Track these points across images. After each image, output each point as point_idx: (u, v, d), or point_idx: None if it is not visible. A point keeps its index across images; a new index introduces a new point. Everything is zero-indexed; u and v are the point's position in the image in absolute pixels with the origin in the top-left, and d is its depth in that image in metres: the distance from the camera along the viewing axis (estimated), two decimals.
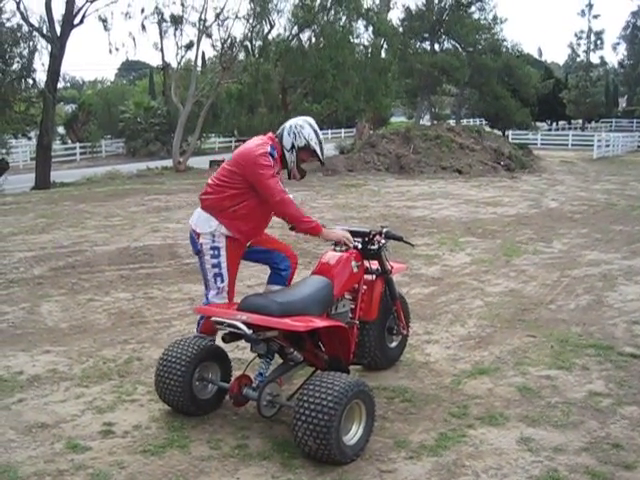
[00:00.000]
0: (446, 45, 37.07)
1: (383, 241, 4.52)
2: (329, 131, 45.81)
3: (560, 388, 4.60)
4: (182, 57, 24.21)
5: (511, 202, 14.43)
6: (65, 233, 10.87)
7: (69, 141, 39.45)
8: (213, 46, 23.37)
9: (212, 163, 29.02)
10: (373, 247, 4.53)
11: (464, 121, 43.14)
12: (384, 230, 4.55)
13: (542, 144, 35.13)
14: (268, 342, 3.92)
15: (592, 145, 30.18)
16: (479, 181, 18.85)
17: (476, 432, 3.94)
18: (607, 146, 31.30)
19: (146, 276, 8.00)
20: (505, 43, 37.55)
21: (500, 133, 34.17)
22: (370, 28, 25.35)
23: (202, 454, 3.70)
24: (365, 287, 4.58)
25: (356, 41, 25.06)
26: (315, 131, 4.42)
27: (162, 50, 27.12)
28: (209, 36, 23.09)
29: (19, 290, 7.37)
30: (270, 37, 25.31)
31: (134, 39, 30.42)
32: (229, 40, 22.85)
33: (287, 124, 4.44)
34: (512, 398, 4.44)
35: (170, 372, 4.05)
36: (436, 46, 36.90)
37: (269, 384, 3.90)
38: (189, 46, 23.59)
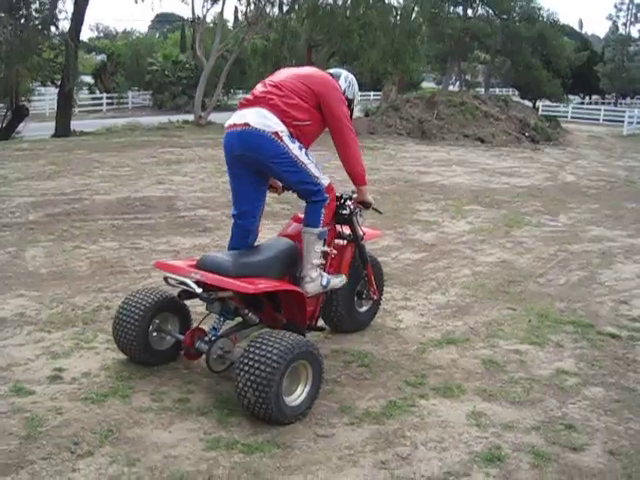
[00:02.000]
0: (480, 11, 36.03)
1: (352, 206, 4.36)
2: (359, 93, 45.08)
3: (527, 364, 4.45)
4: (207, 10, 23.86)
5: (527, 173, 14.09)
6: (70, 181, 10.84)
7: (97, 91, 39.43)
8: (239, 0, 22.96)
9: None
10: (344, 212, 4.38)
11: (496, 90, 42.24)
12: (353, 195, 4.39)
13: (572, 117, 34.28)
14: (223, 301, 3.84)
15: (623, 121, 29.34)
16: (500, 151, 18.43)
17: (427, 403, 3.82)
18: (639, 123, 30.38)
19: (138, 227, 7.95)
20: (541, 11, 36.34)
21: (530, 104, 33.41)
22: None
23: (142, 405, 3.65)
24: (335, 252, 4.45)
25: (385, 1, 24.43)
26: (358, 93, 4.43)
27: (193, 2, 26.68)
28: None
29: (9, 234, 7.37)
30: None
31: None
32: None
33: (342, 72, 4.32)
34: (474, 370, 4.31)
35: (126, 320, 4.00)
36: (469, 11, 35.90)
37: (221, 339, 3.83)
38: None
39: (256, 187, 4.14)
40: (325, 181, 4.01)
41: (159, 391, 3.82)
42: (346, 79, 4.28)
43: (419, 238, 7.92)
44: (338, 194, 4.41)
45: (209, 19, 28.51)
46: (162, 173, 12.06)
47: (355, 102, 4.37)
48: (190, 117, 26.38)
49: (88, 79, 39.73)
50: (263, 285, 3.66)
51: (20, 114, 19.78)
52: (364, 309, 4.91)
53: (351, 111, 4.31)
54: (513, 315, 5.38)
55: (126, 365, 4.13)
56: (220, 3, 23.38)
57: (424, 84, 48.25)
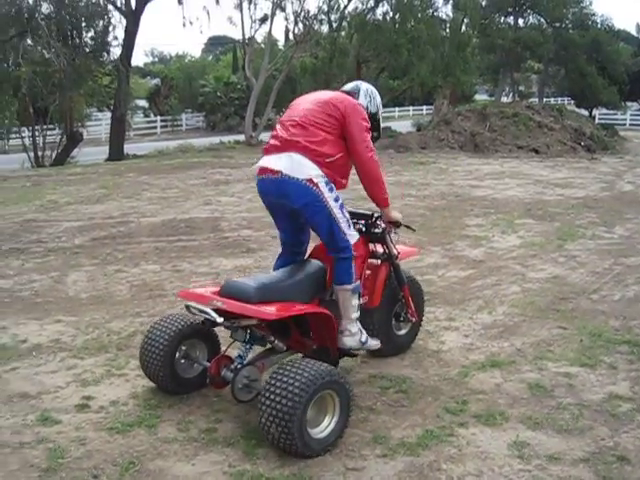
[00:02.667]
0: (531, 20, 35.31)
1: (383, 225, 4.19)
2: (410, 108, 44.86)
3: (577, 388, 4.16)
4: (256, 31, 24.12)
5: (583, 184, 13.59)
6: (118, 204, 10.98)
7: (152, 114, 40.29)
8: (286, 19, 23.12)
9: None
10: (377, 230, 4.21)
11: (551, 100, 41.30)
12: (377, 214, 4.21)
13: (631, 124, 33.21)
14: (249, 328, 3.72)
15: None
16: (555, 161, 17.89)
17: (467, 431, 3.59)
18: None
19: (181, 249, 7.94)
20: (595, 17, 35.39)
21: (586, 113, 32.47)
22: (450, 2, 24.47)
23: (168, 435, 3.53)
24: (369, 272, 4.28)
25: (435, 14, 24.22)
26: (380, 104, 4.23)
27: (242, 23, 26.94)
28: (283, 9, 22.84)
29: (54, 259, 7.45)
30: (347, 11, 24.83)
31: (208, 13, 30.18)
32: (302, 14, 22.54)
33: (361, 85, 4.15)
34: (520, 396, 4.05)
35: (152, 347, 3.92)
36: (520, 21, 35.22)
37: (247, 367, 3.69)
38: (263, 20, 23.43)
39: (297, 223, 4.02)
40: (353, 239, 3.87)
41: (186, 420, 3.70)
42: (366, 93, 4.11)
43: (467, 254, 7.64)
44: (369, 212, 4.25)
45: (260, 39, 28.78)
46: (210, 194, 12.10)
47: (379, 115, 4.20)
48: (242, 137, 26.62)
49: (143, 103, 40.64)
50: (286, 310, 3.51)
51: (74, 139, 20.30)
52: (403, 332, 4.70)
53: (378, 123, 4.16)
54: (564, 335, 5.07)
55: (155, 393, 4.03)
56: (268, 23, 23.44)
57: (477, 96, 47.59)
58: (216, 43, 69.41)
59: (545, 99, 38.99)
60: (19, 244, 8.15)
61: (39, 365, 4.51)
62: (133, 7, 19.86)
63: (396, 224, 4.17)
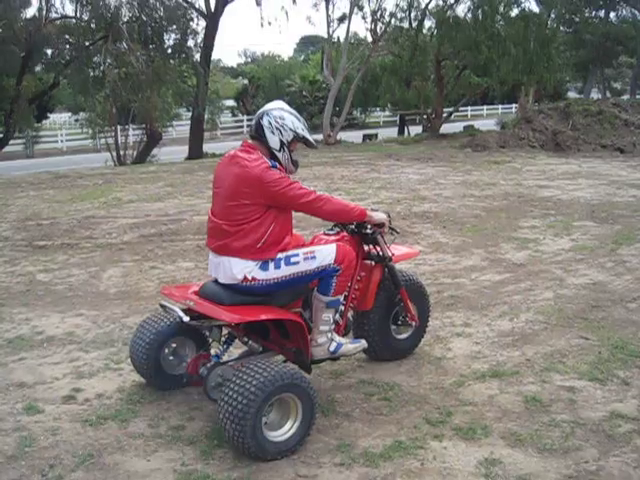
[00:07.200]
0: (624, 13, 33.56)
1: (370, 225, 4.06)
2: (499, 106, 43.69)
3: (578, 404, 3.88)
4: (333, 30, 24.13)
5: None
6: (178, 202, 11.23)
7: (239, 114, 41.13)
8: (364, 18, 22.95)
9: (365, 137, 28.94)
10: (367, 231, 4.09)
11: None
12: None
13: None
14: (221, 329, 3.73)
15: None
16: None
17: (439, 444, 3.42)
18: None
19: None
20: None
21: None
22: None
23: (137, 431, 3.57)
24: (363, 274, 4.17)
25: (515, 12, 23.42)
26: (296, 116, 3.72)
27: (328, 23, 26.79)
28: (360, 8, 22.71)
29: (99, 255, 7.69)
30: (428, 8, 24.40)
31: (287, 13, 30.28)
32: (379, 12, 22.35)
33: (264, 121, 3.61)
34: (512, 409, 3.82)
35: (139, 342, 3.98)
36: (612, 15, 33.50)
37: (221, 366, 3.67)
38: (342, 19, 23.40)
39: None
40: (329, 256, 3.67)
41: (160, 417, 3.72)
42: (272, 129, 3.61)
43: (509, 257, 7.33)
44: None
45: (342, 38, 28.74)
46: None
47: (300, 131, 3.69)
48: (320, 136, 26.69)
49: (231, 103, 41.56)
50: (249, 315, 3.46)
51: (154, 138, 20.98)
52: (403, 336, 4.54)
53: (303, 139, 3.77)
54: (583, 345, 4.76)
55: (141, 388, 4.09)
56: (346, 22, 23.35)
57: (570, 94, 45.74)
58: (308, 42, 70.04)
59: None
60: (71, 239, 8.48)
61: (45, 356, 4.66)
62: (212, 9, 20.30)
63: (380, 225, 4.03)
